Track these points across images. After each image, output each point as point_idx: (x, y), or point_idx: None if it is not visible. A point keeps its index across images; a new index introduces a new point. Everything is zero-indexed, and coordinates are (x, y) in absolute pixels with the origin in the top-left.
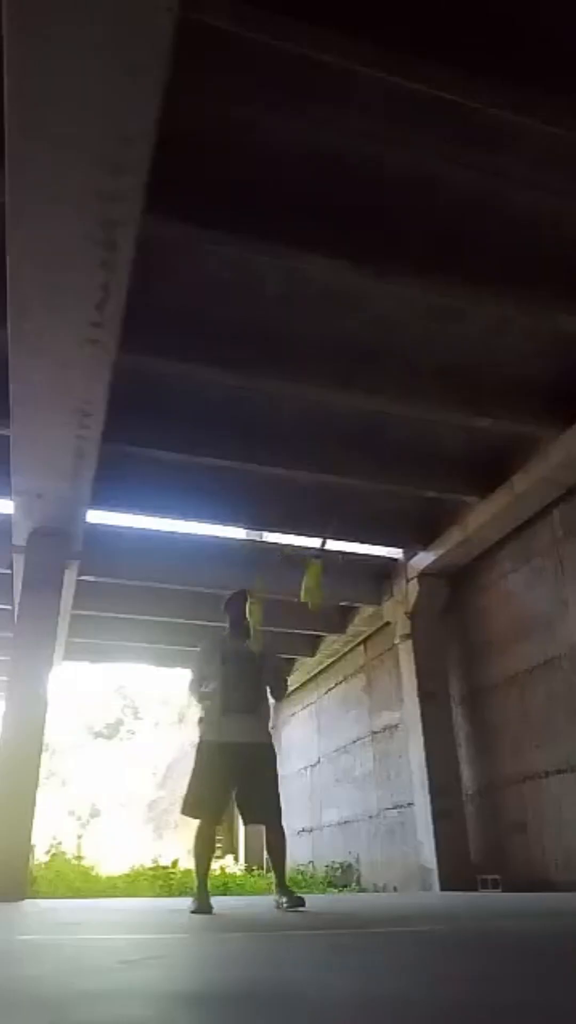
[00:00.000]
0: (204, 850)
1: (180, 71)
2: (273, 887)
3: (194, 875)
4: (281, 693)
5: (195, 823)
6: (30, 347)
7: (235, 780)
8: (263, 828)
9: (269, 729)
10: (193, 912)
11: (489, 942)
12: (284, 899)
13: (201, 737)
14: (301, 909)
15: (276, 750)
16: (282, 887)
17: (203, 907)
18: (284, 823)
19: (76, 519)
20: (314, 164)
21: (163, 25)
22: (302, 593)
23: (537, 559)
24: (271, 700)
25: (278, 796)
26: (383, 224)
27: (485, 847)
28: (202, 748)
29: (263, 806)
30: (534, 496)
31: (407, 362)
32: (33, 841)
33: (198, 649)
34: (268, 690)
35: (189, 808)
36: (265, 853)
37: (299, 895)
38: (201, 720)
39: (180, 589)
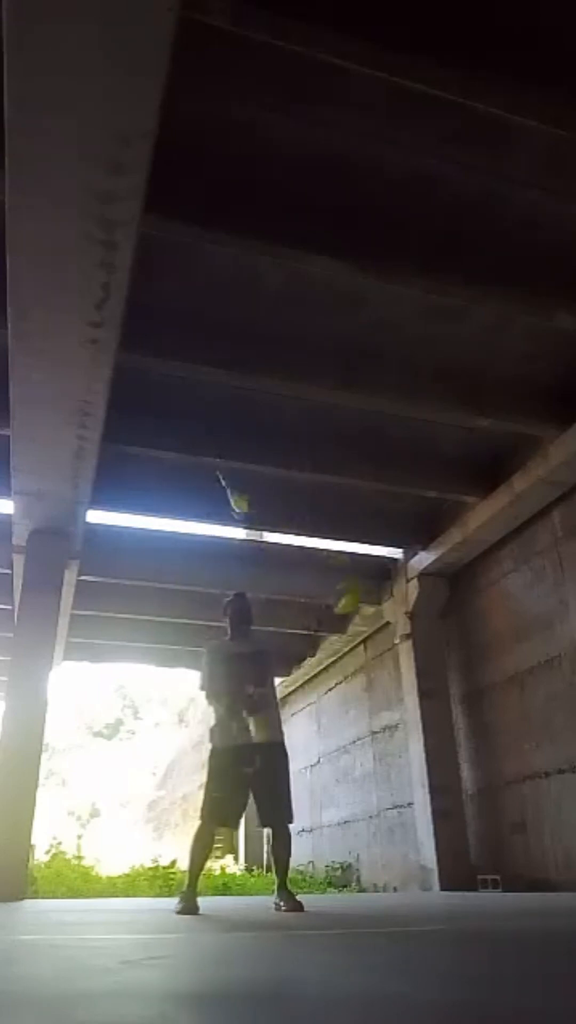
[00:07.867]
0: (200, 851)
1: (180, 71)
2: (274, 888)
3: (186, 874)
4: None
5: (195, 823)
6: (30, 347)
7: (250, 781)
8: (264, 829)
9: (281, 728)
10: (178, 912)
11: (490, 942)
12: (283, 903)
13: (213, 745)
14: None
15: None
16: (282, 889)
17: (189, 907)
18: (291, 826)
19: (76, 519)
20: (314, 164)
21: (163, 25)
22: (342, 603)
23: (537, 559)
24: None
25: (288, 798)
26: (383, 224)
27: (485, 847)
28: (214, 755)
29: (271, 808)
30: (534, 496)
31: (407, 362)
32: (33, 841)
33: (203, 651)
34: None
35: (207, 815)
36: (265, 853)
37: (298, 900)
38: (212, 726)
39: (180, 589)
